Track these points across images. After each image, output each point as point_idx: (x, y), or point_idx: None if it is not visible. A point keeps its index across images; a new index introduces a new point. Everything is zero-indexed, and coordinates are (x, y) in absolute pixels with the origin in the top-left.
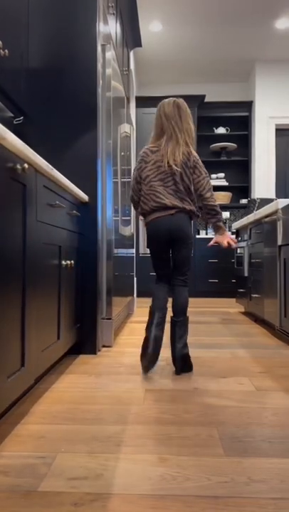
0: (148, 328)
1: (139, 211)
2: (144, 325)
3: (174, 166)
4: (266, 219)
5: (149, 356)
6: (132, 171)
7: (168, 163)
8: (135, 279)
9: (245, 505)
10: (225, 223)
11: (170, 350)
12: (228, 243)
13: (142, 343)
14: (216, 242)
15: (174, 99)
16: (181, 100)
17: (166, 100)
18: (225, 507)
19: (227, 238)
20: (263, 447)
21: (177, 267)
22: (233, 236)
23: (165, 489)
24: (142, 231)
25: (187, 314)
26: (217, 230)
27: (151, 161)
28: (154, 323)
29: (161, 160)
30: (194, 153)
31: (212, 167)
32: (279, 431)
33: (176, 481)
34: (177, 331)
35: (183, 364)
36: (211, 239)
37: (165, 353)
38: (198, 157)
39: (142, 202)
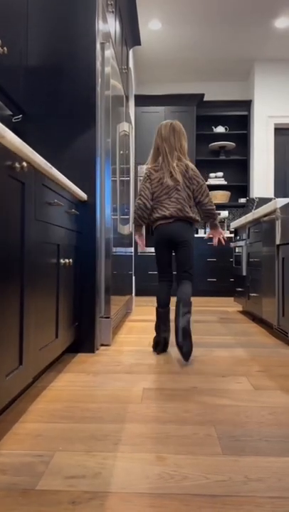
0: (157, 329)
1: (146, 221)
2: (143, 324)
3: (173, 182)
4: (264, 218)
5: (159, 350)
6: (138, 181)
7: (170, 179)
8: (134, 277)
9: (243, 503)
10: (223, 222)
11: (174, 336)
12: (219, 240)
13: (153, 339)
14: (210, 236)
15: (171, 122)
16: (176, 122)
17: (164, 123)
18: (222, 506)
19: (219, 235)
20: (260, 446)
21: (180, 265)
22: (226, 234)
23: (163, 488)
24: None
25: (191, 305)
26: (212, 227)
27: (155, 179)
28: (161, 327)
29: (163, 177)
30: (190, 164)
31: (211, 166)
32: (276, 430)
33: (173, 479)
34: (181, 308)
35: (184, 338)
36: (209, 238)
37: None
38: (193, 167)
39: (152, 212)
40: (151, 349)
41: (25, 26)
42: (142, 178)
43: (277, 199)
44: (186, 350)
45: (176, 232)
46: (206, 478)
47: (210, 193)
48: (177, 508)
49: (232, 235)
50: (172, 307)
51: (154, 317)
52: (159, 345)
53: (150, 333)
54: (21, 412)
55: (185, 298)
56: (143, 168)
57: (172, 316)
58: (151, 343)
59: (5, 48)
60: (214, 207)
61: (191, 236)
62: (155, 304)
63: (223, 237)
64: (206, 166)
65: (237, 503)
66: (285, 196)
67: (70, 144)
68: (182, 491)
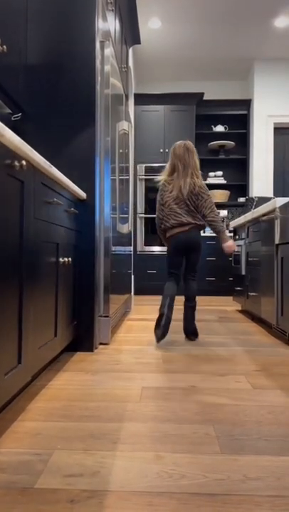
0: (161, 309)
1: (162, 227)
2: (142, 323)
3: (182, 195)
4: (264, 217)
5: (161, 329)
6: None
7: (180, 192)
8: (132, 276)
9: (241, 502)
10: (222, 221)
11: (182, 326)
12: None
13: (156, 320)
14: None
15: (184, 142)
16: (188, 143)
17: (178, 143)
18: (221, 505)
19: (225, 247)
20: (259, 445)
21: (190, 268)
22: (232, 243)
23: (161, 486)
24: (140, 230)
25: (196, 300)
26: (220, 238)
27: (168, 191)
28: (166, 305)
29: (174, 190)
30: (199, 182)
31: (210, 165)
32: (275, 429)
33: (172, 478)
34: (189, 313)
35: (192, 334)
36: (208, 237)
37: (162, 350)
38: (202, 184)
39: (164, 220)
40: (149, 345)
41: (24, 25)
42: (140, 177)
43: (276, 198)
44: (195, 338)
45: (193, 240)
46: (205, 477)
47: (210, 191)
48: (176, 506)
49: (231, 234)
50: (175, 305)
51: (152, 316)
52: (160, 327)
53: (149, 332)
54: (20, 410)
55: (191, 296)
56: (143, 166)
57: (177, 314)
58: (154, 328)
59: (4, 47)
60: (217, 220)
61: (202, 242)
62: (154, 303)
63: (228, 247)
64: (205, 165)
65: (236, 501)
66: (284, 195)
67: (70, 142)
68: (181, 490)
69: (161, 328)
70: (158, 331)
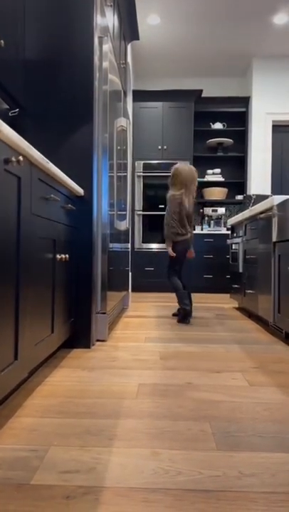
0: (184, 305)
1: (173, 231)
2: (140, 319)
3: (188, 210)
4: (261, 215)
5: (188, 321)
6: (167, 201)
7: (186, 208)
8: (130, 273)
9: (236, 499)
10: (220, 219)
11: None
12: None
13: (180, 311)
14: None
15: (192, 168)
16: (195, 171)
17: (187, 168)
18: (216, 501)
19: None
20: (254, 442)
21: (184, 263)
22: (223, 231)
23: (157, 483)
24: (138, 227)
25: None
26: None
27: (182, 204)
28: (187, 303)
29: (183, 205)
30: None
31: (208, 163)
32: (271, 426)
33: (168, 474)
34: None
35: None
36: (206, 234)
37: (159, 347)
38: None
39: (174, 227)
40: (146, 342)
41: (22, 20)
42: (138, 174)
43: (274, 196)
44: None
45: (189, 244)
46: (200, 473)
47: (207, 189)
48: (171, 503)
49: (229, 232)
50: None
51: (150, 313)
52: (187, 316)
53: (147, 329)
54: (17, 406)
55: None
56: (141, 163)
57: (169, 311)
58: (178, 318)
59: (2, 41)
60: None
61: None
62: (152, 300)
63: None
64: (203, 162)
65: (231, 498)
66: (282, 193)
67: (67, 138)
68: (176, 486)
69: (188, 319)
70: (186, 321)
